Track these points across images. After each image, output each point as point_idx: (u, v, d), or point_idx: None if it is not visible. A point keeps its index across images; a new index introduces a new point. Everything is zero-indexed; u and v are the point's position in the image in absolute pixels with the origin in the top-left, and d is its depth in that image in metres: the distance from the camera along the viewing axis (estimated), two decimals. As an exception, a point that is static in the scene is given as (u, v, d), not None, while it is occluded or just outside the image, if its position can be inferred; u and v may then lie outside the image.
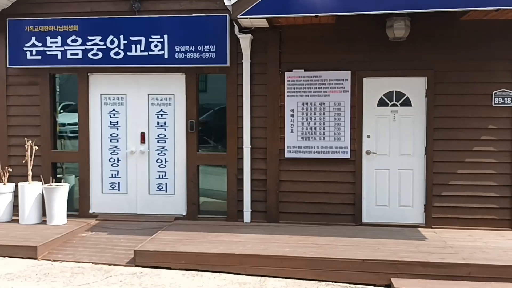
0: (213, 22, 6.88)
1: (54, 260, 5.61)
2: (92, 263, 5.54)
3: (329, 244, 5.80)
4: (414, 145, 6.80)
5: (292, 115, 6.91)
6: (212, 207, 7.39)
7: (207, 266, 5.42)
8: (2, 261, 5.53)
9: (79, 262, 5.58)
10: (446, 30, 6.59)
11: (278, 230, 6.51)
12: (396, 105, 6.82)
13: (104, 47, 7.02)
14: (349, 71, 6.78)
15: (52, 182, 7.13)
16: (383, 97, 6.83)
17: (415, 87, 6.75)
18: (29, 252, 5.67)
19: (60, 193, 6.84)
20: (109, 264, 5.50)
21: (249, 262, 5.37)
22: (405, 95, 6.79)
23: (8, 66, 7.28)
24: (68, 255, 5.79)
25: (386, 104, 6.84)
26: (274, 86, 6.95)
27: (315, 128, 6.88)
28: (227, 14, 6.82)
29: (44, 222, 6.97)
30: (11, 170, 7.16)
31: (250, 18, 6.14)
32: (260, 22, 6.56)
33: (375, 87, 6.82)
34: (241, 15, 6.04)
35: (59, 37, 7.11)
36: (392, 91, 6.81)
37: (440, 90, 6.67)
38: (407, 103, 6.79)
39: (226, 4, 6.15)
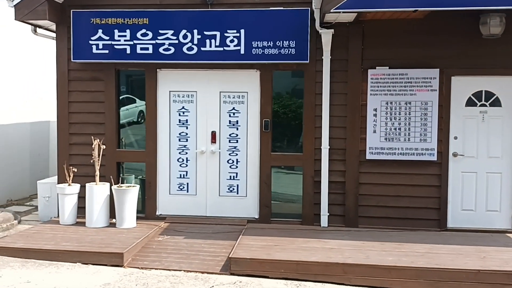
0: (293, 16, 6.52)
1: (142, 268, 5.27)
2: (184, 270, 5.20)
3: (430, 252, 5.49)
4: (503, 147, 6.49)
5: (375, 115, 6.59)
6: (283, 210, 7.06)
7: (307, 275, 5.10)
8: (87, 269, 5.19)
9: (169, 269, 5.24)
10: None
11: (363, 236, 6.19)
12: (485, 105, 6.50)
13: (177, 41, 6.66)
14: (438, 69, 6.45)
15: (119, 183, 6.80)
16: (472, 96, 6.52)
17: (506, 86, 6.44)
18: (114, 259, 5.33)
19: (132, 194, 6.50)
20: (202, 272, 5.17)
21: (353, 272, 5.06)
22: (494, 95, 6.48)
23: (72, 60, 6.91)
24: (154, 261, 5.45)
25: (475, 104, 6.52)
26: (355, 84, 6.62)
27: (399, 129, 6.55)
28: (309, 8, 6.48)
29: (111, 225, 6.64)
30: (75, 170, 6.80)
31: (343, 12, 5.80)
32: (346, 16, 6.22)
33: (463, 86, 6.50)
34: (335, 8, 5.69)
35: (128, 31, 6.74)
36: (481, 91, 6.50)
37: (534, 89, 6.36)
38: (496, 103, 6.48)
39: (318, -3, 5.82)
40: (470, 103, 6.52)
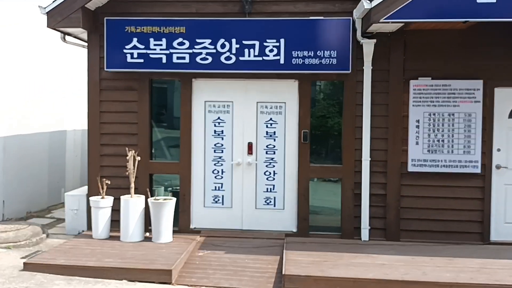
0: (334, 25, 6.41)
1: (192, 286, 5.07)
2: (236, 288, 5.02)
3: (484, 267, 5.36)
4: (547, 159, 6.43)
5: (417, 126, 6.47)
6: (320, 222, 6.90)
7: (365, 293, 4.95)
8: (135, 287, 4.98)
9: (219, 287, 5.04)
10: None
11: (409, 250, 6.04)
12: (529, 117, 6.45)
13: (214, 51, 6.51)
14: (481, 80, 6.37)
15: (155, 195, 6.60)
16: (515, 108, 6.46)
17: (550, 98, 6.38)
18: (163, 277, 5.12)
19: (169, 207, 6.30)
20: (255, 290, 4.99)
21: (413, 289, 4.91)
22: (539, 106, 6.42)
23: (105, 69, 6.72)
24: (202, 278, 5.25)
25: (518, 116, 6.46)
26: (397, 95, 6.51)
27: (442, 141, 6.45)
28: (350, 18, 6.38)
29: (146, 239, 6.43)
30: (109, 183, 6.58)
31: (392, 22, 5.71)
32: (390, 26, 6.12)
33: (506, 97, 6.43)
34: (385, 18, 5.62)
35: (164, 39, 6.57)
36: (525, 101, 6.44)
37: None
38: (540, 115, 6.43)
39: (365, 6, 5.72)
40: (513, 114, 6.47)
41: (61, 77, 9.68)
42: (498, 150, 6.46)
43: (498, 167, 6.47)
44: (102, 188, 6.56)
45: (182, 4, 6.73)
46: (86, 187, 7.55)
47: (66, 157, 9.99)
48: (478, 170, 6.41)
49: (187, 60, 6.56)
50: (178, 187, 6.98)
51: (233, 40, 6.50)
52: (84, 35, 7.06)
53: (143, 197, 6.50)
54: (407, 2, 5.56)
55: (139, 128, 6.86)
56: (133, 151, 6.48)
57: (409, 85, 6.47)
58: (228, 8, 6.68)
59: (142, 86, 6.83)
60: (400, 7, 5.56)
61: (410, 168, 6.50)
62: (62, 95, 9.75)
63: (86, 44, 7.19)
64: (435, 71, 6.48)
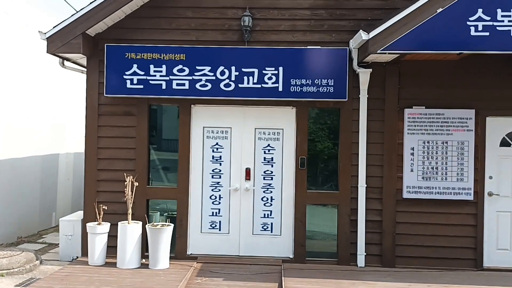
0: (331, 55, 6.58)
1: (193, 315, 5.04)
2: (237, 317, 4.99)
3: (481, 294, 5.45)
4: (537, 187, 6.61)
5: (412, 154, 6.62)
6: (316, 248, 6.93)
7: (365, 321, 4.97)
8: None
9: (220, 316, 5.02)
10: None
11: (405, 277, 6.11)
12: (519, 146, 6.65)
13: (214, 78, 6.60)
14: (474, 110, 6.57)
15: (153, 221, 6.57)
16: (506, 137, 6.65)
17: (538, 127, 6.60)
18: (164, 306, 5.08)
19: (167, 234, 6.28)
20: (256, 319, 4.97)
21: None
22: (528, 135, 6.64)
23: (105, 94, 6.74)
24: (203, 307, 5.23)
25: (509, 145, 6.65)
26: (392, 123, 6.67)
27: (436, 168, 6.59)
28: (347, 48, 6.56)
29: (143, 265, 6.37)
30: (106, 208, 6.54)
31: (389, 53, 5.91)
32: (386, 56, 6.31)
33: (498, 126, 6.63)
34: (382, 50, 5.82)
35: (164, 66, 6.65)
36: (515, 131, 6.65)
37: None
38: (530, 143, 6.63)
39: (363, 37, 5.90)
40: (504, 143, 6.65)
41: (55, 100, 9.67)
42: (490, 177, 6.63)
43: (490, 194, 6.62)
44: (99, 214, 6.51)
45: (181, 31, 6.84)
46: (80, 212, 7.50)
47: (58, 180, 9.89)
48: (471, 197, 6.56)
49: (186, 87, 6.64)
50: (175, 212, 6.97)
51: (233, 68, 6.61)
52: (83, 61, 7.11)
53: (140, 223, 6.47)
54: (403, 34, 5.76)
55: (137, 153, 6.87)
56: (131, 177, 6.48)
57: (404, 114, 6.64)
58: (228, 36, 6.81)
59: (140, 112, 6.86)
60: (396, 39, 5.75)
61: (405, 195, 6.62)
62: (56, 118, 9.71)
63: (84, 69, 7.24)
64: (429, 100, 6.67)
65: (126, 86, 6.69)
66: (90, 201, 6.80)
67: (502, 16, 5.59)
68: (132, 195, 6.45)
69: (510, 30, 5.58)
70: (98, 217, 6.51)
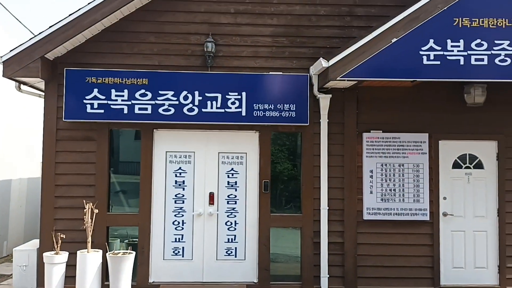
0: (293, 81, 6.75)
1: None
2: None
3: (440, 312, 5.63)
4: (487, 207, 6.95)
5: (371, 176, 6.83)
6: (280, 272, 6.95)
7: None
8: None
9: None
10: (515, 98, 6.97)
11: (368, 298, 6.24)
12: (470, 168, 6.99)
13: (177, 102, 6.60)
14: (427, 134, 6.89)
15: (114, 249, 6.39)
16: (457, 159, 7.00)
17: (486, 150, 6.99)
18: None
19: (129, 262, 6.11)
20: None
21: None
22: (477, 158, 7.00)
23: (64, 119, 6.58)
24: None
25: (460, 167, 6.99)
26: (351, 147, 6.88)
27: (394, 190, 6.83)
28: (307, 74, 6.76)
29: (103, 295, 6.17)
30: (63, 237, 6.31)
31: (348, 80, 6.13)
32: (344, 83, 6.54)
33: (449, 149, 6.98)
34: (341, 77, 6.04)
35: (126, 90, 6.59)
36: (466, 154, 7.00)
37: (511, 153, 6.95)
38: (479, 165, 6.99)
39: (323, 65, 6.11)
40: (456, 165, 6.99)
41: (8, 124, 9.32)
42: (444, 198, 6.93)
43: (445, 214, 6.92)
44: (57, 243, 6.27)
45: (144, 56, 6.83)
46: (36, 241, 7.20)
47: (10, 208, 9.45)
48: (427, 218, 6.82)
49: (149, 111, 6.60)
50: (136, 239, 6.82)
51: (196, 92, 6.64)
52: (41, 85, 6.93)
53: (100, 251, 6.27)
54: (361, 62, 6.01)
55: (97, 179, 6.71)
56: (91, 203, 6.30)
57: (363, 137, 6.87)
58: (191, 61, 6.86)
59: (101, 136, 6.74)
60: (354, 67, 5.99)
61: (366, 216, 6.80)
62: (8, 142, 9.34)
63: (42, 93, 7.06)
64: (385, 124, 6.93)
65: (86, 110, 6.57)
66: (47, 229, 6.55)
67: (452, 46, 5.96)
68: (91, 222, 6.26)
69: (459, 59, 5.95)
70: (56, 246, 6.26)
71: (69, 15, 6.37)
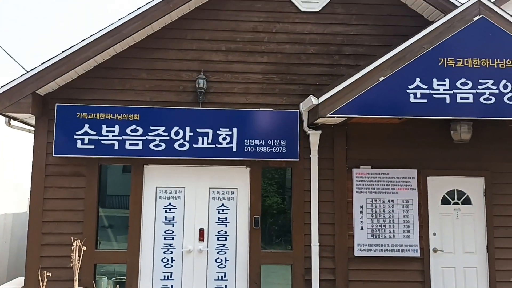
0: (283, 117, 6.84)
1: None
2: None
3: None
4: (477, 243, 6.99)
5: (361, 212, 6.86)
6: (270, 310, 6.85)
7: None
8: None
9: None
10: (500, 134, 7.10)
11: (360, 336, 6.14)
12: (458, 203, 7.06)
13: (168, 138, 6.63)
14: (416, 170, 6.98)
15: (101, 286, 6.26)
16: (446, 195, 7.07)
17: (474, 186, 7.08)
18: None
19: (116, 301, 5.98)
20: None
21: None
22: (465, 193, 7.08)
23: (53, 155, 6.54)
24: None
25: (449, 202, 7.06)
26: (341, 182, 6.92)
27: (384, 226, 6.85)
28: (298, 110, 6.86)
29: (88, 336, 5.98)
30: (50, 275, 6.14)
31: (338, 117, 6.24)
32: (333, 119, 6.64)
33: (438, 185, 7.05)
34: (331, 114, 6.15)
35: (117, 126, 6.60)
36: (454, 190, 7.08)
37: (498, 190, 7.04)
38: (468, 201, 7.07)
39: (313, 102, 6.22)
40: (445, 201, 7.05)
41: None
42: (434, 234, 6.96)
43: (435, 250, 6.93)
44: (42, 281, 6.10)
45: (135, 92, 6.89)
46: (20, 279, 7.03)
47: (-7, 243, 9.22)
48: (418, 254, 6.82)
49: (140, 147, 6.60)
50: (123, 276, 6.69)
51: (187, 128, 6.68)
52: (31, 120, 6.91)
53: (88, 290, 6.14)
54: (350, 100, 6.14)
55: (86, 215, 6.62)
56: (78, 240, 6.18)
57: (352, 173, 6.93)
58: (182, 97, 6.93)
59: (90, 172, 6.69)
60: (344, 104, 6.11)
61: (357, 253, 6.78)
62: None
63: (32, 128, 7.04)
64: (375, 160, 7.01)
65: (77, 146, 6.55)
66: (33, 267, 6.41)
67: (438, 84, 6.13)
68: (79, 260, 6.13)
69: (445, 97, 6.11)
70: (41, 285, 6.09)
71: (62, 52, 6.44)
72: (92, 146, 6.56)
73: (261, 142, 6.76)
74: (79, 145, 6.55)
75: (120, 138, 6.59)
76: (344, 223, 6.84)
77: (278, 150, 6.77)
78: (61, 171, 6.69)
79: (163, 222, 6.78)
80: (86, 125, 6.59)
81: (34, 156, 6.67)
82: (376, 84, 6.13)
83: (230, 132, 6.73)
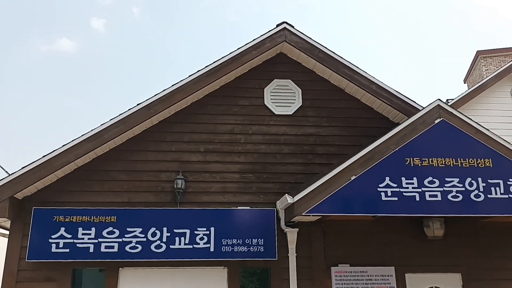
0: (260, 215, 6.94)
1: None
2: None
3: None
4: None
5: (343, 312, 6.72)
6: None
7: None
8: None
9: None
10: (473, 230, 7.23)
11: None
12: (438, 301, 7.01)
13: (145, 239, 6.59)
14: (393, 267, 6.98)
15: None
16: (425, 292, 7.04)
17: (452, 282, 7.08)
18: None
19: None
20: None
21: None
22: (444, 290, 7.06)
23: (26, 259, 6.39)
24: None
25: (429, 301, 7.01)
26: (320, 281, 6.85)
27: (366, 327, 6.69)
28: (274, 208, 6.97)
29: None
30: None
31: (313, 215, 6.35)
32: (309, 217, 6.75)
33: (416, 282, 7.03)
34: (306, 212, 6.26)
35: (93, 228, 6.57)
36: (432, 287, 7.04)
37: (475, 285, 7.03)
38: (447, 298, 7.03)
39: (289, 201, 6.37)
40: (424, 298, 7.01)
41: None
42: (417, 334, 6.81)
43: None
44: None
45: (114, 193, 6.96)
46: None
47: None
48: None
49: (115, 249, 6.52)
50: None
51: (164, 229, 6.68)
52: (6, 223, 6.86)
53: None
54: (324, 198, 6.29)
55: (56, 324, 6.34)
56: None
57: (331, 272, 6.89)
58: (160, 197, 7.01)
59: (63, 277, 6.53)
60: (318, 203, 6.26)
61: None
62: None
63: (6, 232, 6.94)
64: (352, 257, 7.02)
65: (51, 250, 6.44)
66: None
67: (407, 183, 6.38)
68: None
69: (415, 195, 6.33)
70: None
71: (43, 156, 6.58)
72: (67, 250, 6.46)
73: (238, 241, 6.76)
74: (53, 249, 6.44)
75: (96, 241, 6.53)
76: (325, 324, 6.67)
77: (256, 249, 6.76)
78: (33, 277, 6.51)
79: (137, 329, 6.50)
80: (62, 228, 6.54)
81: (7, 261, 6.51)
82: (348, 183, 6.34)
83: (208, 232, 6.74)
